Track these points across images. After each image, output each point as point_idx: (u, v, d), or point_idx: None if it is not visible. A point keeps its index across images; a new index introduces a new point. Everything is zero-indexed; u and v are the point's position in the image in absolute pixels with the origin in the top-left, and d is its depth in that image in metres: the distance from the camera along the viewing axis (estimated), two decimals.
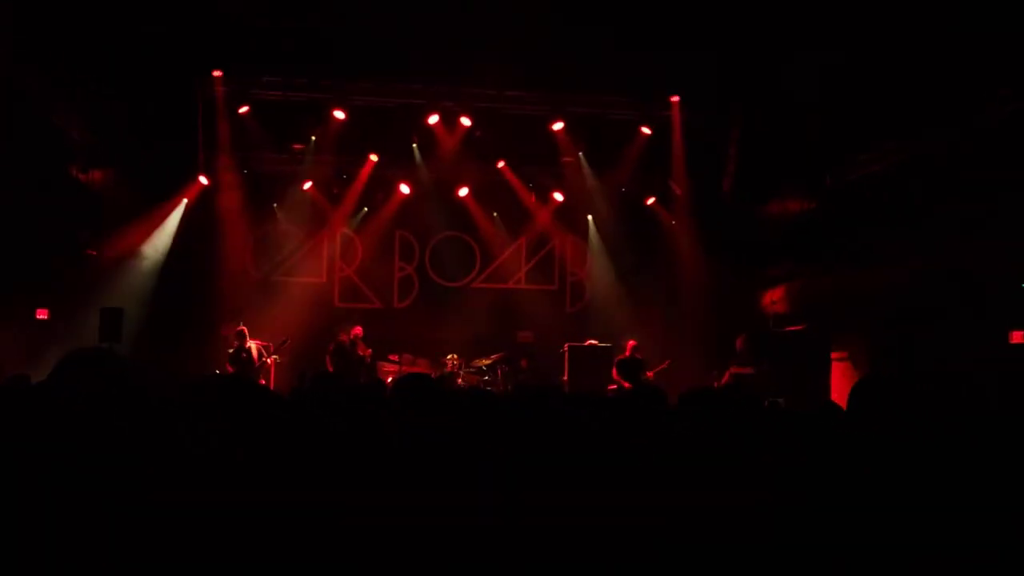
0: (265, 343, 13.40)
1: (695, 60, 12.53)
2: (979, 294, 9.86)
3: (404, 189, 15.58)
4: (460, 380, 13.98)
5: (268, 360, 13.21)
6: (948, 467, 2.58)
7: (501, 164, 15.29)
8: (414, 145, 14.97)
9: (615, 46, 12.09)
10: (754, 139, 13.63)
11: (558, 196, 15.88)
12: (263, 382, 12.39)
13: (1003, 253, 9.48)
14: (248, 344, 12.93)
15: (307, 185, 15.25)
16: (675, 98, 14.19)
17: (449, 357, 14.28)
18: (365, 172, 15.22)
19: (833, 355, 13.07)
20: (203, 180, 14.56)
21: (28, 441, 2.33)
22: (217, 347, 13.80)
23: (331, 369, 13.27)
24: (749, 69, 12.69)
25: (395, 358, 14.24)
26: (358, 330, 14.04)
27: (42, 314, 12.34)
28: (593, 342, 14.64)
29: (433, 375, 13.04)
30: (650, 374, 13.41)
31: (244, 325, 13.11)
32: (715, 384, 12.61)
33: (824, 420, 3.47)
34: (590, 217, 16.26)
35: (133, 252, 14.05)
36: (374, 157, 14.91)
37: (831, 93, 11.48)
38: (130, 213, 13.81)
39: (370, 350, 13.95)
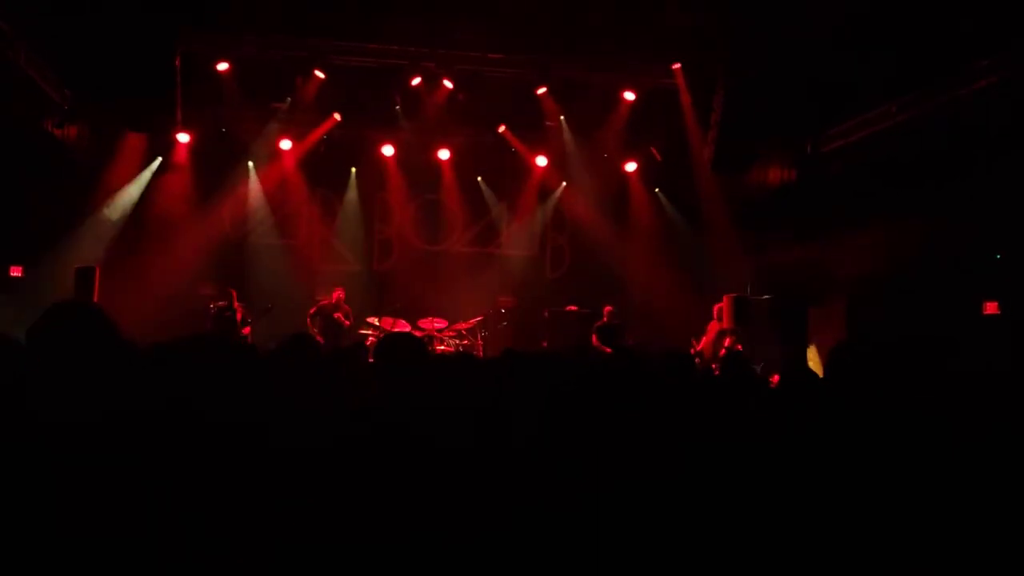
0: (246, 305, 13.35)
1: (679, 26, 12.46)
2: (954, 265, 9.96)
3: (387, 151, 15.47)
4: (441, 345, 13.99)
5: (250, 320, 13.19)
6: (923, 432, 2.61)
7: (502, 128, 15.22)
8: (397, 107, 14.83)
9: (599, 10, 12.02)
10: (736, 107, 13.58)
11: (541, 161, 15.82)
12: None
13: (978, 224, 9.57)
14: (236, 305, 12.95)
15: (286, 145, 15.11)
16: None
17: (428, 321, 14.27)
18: (341, 133, 15.13)
19: (809, 323, 13.17)
20: (181, 138, 14.40)
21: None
22: (195, 307, 13.73)
23: (313, 331, 13.26)
24: (732, 36, 12.63)
25: (374, 321, 14.19)
26: (339, 293, 13.96)
27: (16, 271, 12.20)
28: (573, 308, 14.68)
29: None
30: (629, 339, 13.47)
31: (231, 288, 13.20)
32: (691, 351, 12.70)
33: (800, 386, 3.50)
34: (564, 184, 16.22)
35: (109, 210, 13.92)
36: (337, 116, 14.67)
37: (813, 62, 11.45)
38: (106, 170, 13.65)
39: (348, 322, 13.84)
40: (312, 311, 13.67)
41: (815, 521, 2.41)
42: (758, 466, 2.60)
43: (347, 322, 13.77)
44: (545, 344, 14.25)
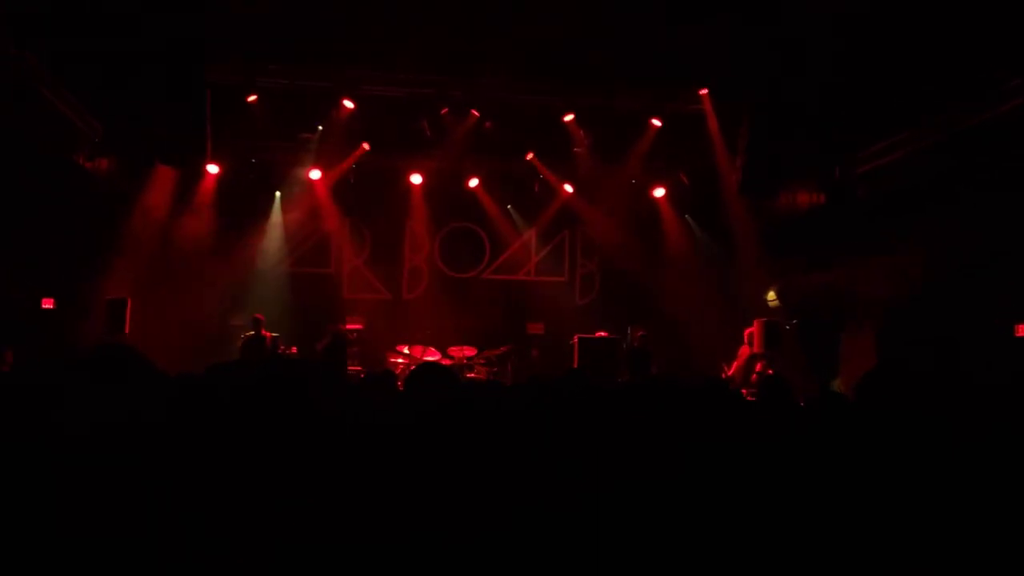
0: (275, 335, 13.40)
1: (705, 53, 12.44)
2: (986, 287, 9.81)
3: (415, 179, 15.55)
4: (471, 373, 13.97)
5: (281, 348, 13.24)
6: (956, 455, 2.55)
7: (530, 156, 15.27)
8: (425, 135, 14.88)
9: (625, 36, 12.02)
10: (763, 131, 13.51)
11: (569, 187, 15.83)
12: None
13: (1010, 246, 9.42)
14: (264, 333, 12.99)
15: (315, 174, 15.21)
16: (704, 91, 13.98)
17: (458, 348, 14.27)
18: (370, 162, 15.21)
19: (842, 347, 13.02)
20: (211, 169, 14.55)
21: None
22: (225, 337, 13.82)
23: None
24: (759, 62, 12.58)
25: (404, 349, 14.22)
26: (356, 324, 14.09)
27: (48, 303, 12.34)
28: (603, 334, 14.61)
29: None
30: (655, 366, 13.36)
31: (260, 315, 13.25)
32: (722, 376, 12.59)
33: (833, 411, 3.44)
34: (592, 210, 16.19)
35: (141, 241, 14.04)
36: (366, 145, 14.78)
37: (840, 85, 11.37)
38: (136, 201, 13.79)
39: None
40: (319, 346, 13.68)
41: (817, 522, 2.37)
42: (764, 467, 2.56)
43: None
44: None
